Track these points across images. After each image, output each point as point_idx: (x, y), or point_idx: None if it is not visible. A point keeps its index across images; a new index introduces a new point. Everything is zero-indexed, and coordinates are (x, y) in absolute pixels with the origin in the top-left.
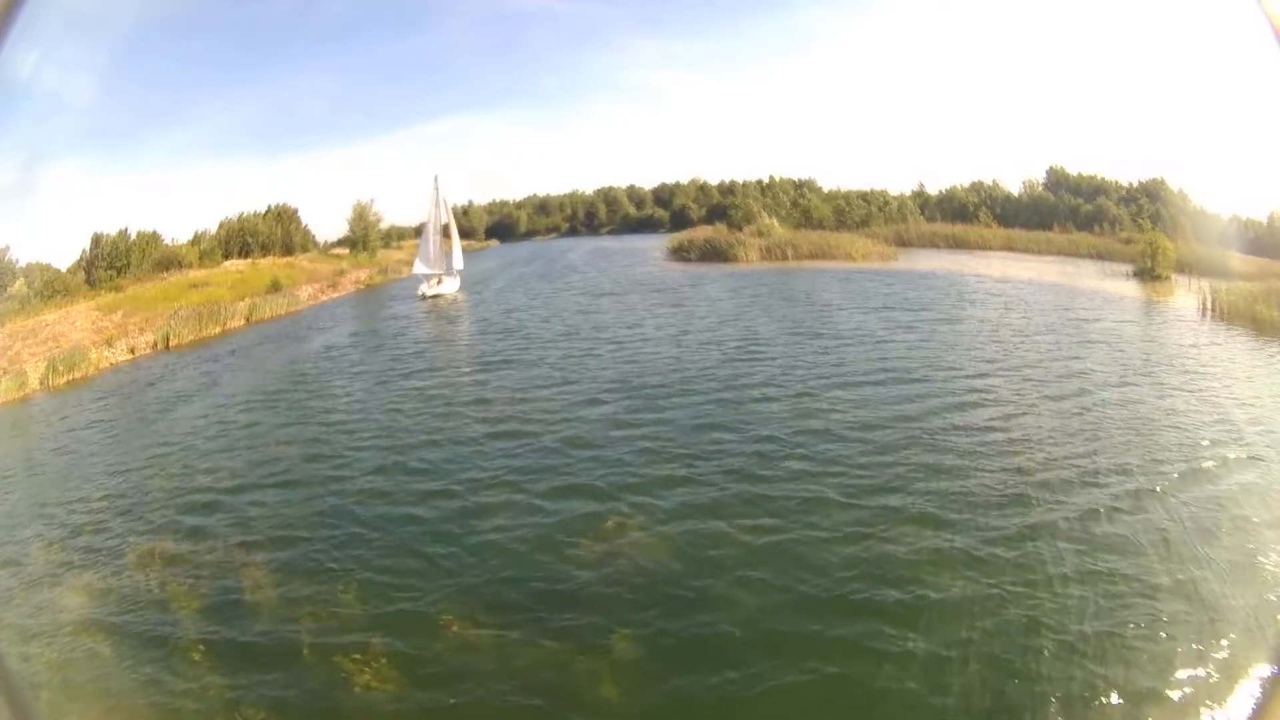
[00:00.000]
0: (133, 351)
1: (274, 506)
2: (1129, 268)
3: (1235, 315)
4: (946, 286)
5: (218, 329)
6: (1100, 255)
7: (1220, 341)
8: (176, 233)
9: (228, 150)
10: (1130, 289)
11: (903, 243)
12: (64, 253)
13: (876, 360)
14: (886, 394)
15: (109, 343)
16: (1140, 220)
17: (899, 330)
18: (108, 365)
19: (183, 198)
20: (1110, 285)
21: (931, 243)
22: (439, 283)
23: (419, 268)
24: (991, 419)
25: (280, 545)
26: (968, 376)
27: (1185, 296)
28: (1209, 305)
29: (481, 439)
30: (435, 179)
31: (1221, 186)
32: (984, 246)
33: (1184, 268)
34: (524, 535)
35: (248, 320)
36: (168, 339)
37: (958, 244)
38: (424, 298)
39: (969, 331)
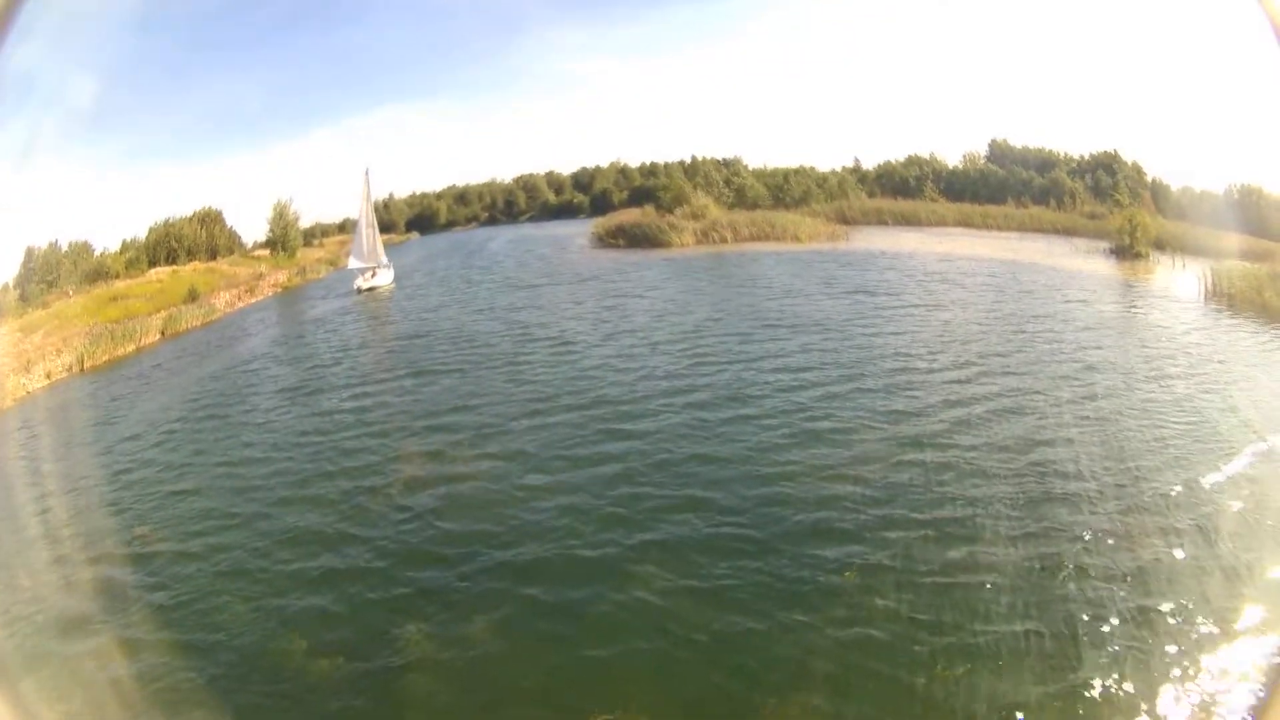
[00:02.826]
0: (49, 376)
1: (151, 618)
2: (1102, 244)
3: (1240, 301)
4: (916, 269)
5: (132, 346)
6: (1065, 231)
7: (1245, 332)
8: (108, 242)
9: (158, 154)
10: (1111, 268)
11: (846, 220)
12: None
13: (890, 366)
14: (938, 420)
15: (26, 368)
16: (1117, 195)
17: (890, 320)
18: (24, 394)
19: (115, 205)
20: (1092, 265)
21: (878, 219)
22: (374, 275)
23: (353, 262)
24: (1054, 441)
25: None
26: (1003, 394)
27: (1172, 276)
28: (1210, 289)
29: (414, 512)
30: (365, 172)
31: (1185, 159)
32: (937, 223)
33: (1161, 245)
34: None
35: (163, 334)
36: (83, 361)
37: (907, 221)
38: (359, 291)
39: (969, 321)
